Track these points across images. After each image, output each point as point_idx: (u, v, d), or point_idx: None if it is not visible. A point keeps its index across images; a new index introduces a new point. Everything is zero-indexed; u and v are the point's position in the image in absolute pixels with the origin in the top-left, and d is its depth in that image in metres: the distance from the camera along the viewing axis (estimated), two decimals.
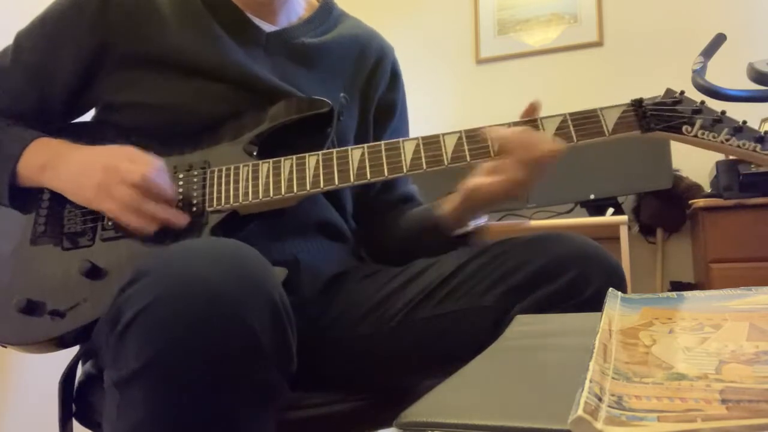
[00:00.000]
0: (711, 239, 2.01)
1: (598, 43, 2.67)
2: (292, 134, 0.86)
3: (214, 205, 0.81)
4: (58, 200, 0.85)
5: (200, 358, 0.52)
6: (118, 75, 0.87)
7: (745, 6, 2.47)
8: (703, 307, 0.48)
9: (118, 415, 0.56)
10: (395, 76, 1.05)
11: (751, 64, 0.84)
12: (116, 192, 0.77)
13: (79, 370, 0.83)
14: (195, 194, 0.82)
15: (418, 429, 0.32)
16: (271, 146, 0.85)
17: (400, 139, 0.81)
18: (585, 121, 0.78)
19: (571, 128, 0.78)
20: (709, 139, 0.74)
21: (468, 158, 0.79)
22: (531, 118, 0.79)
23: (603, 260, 0.78)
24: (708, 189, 2.24)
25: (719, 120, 0.75)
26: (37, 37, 0.89)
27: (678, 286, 2.36)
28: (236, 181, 0.82)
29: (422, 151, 0.80)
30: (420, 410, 0.34)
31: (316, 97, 0.87)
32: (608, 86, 2.59)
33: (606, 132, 0.78)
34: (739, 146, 0.72)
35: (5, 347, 0.80)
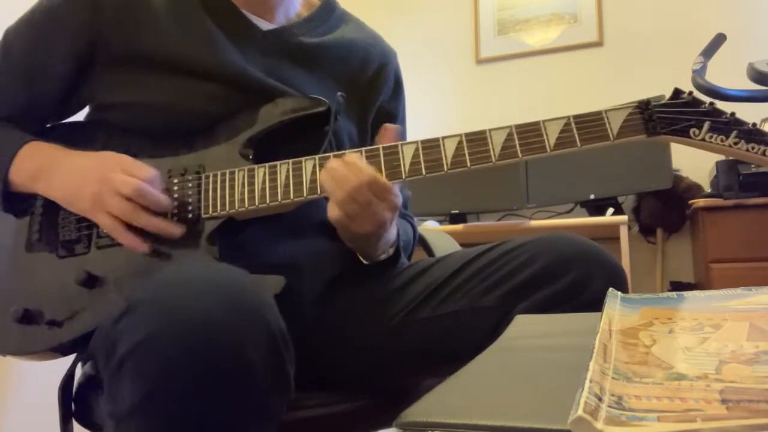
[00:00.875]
0: (711, 239, 2.01)
1: (598, 43, 2.67)
2: (289, 134, 0.85)
3: (210, 212, 0.80)
4: (52, 206, 0.83)
5: (196, 395, 0.51)
6: (111, 74, 0.85)
7: (745, 6, 2.47)
8: (703, 307, 0.48)
9: None
10: (398, 84, 1.04)
11: (751, 64, 0.84)
12: (110, 204, 0.76)
13: (79, 370, 0.83)
14: (190, 200, 0.81)
15: (418, 429, 0.32)
16: (267, 147, 0.84)
17: (399, 143, 0.79)
18: (589, 125, 0.75)
19: (575, 132, 0.75)
20: (717, 143, 0.71)
21: (468, 164, 0.77)
22: (533, 122, 0.76)
23: (604, 261, 0.78)
24: (708, 189, 2.24)
25: (728, 122, 0.71)
26: (26, 35, 0.86)
27: (678, 286, 2.36)
28: (232, 187, 0.80)
29: (421, 155, 0.78)
30: (420, 410, 0.34)
31: (314, 96, 0.86)
32: (608, 86, 2.59)
33: (611, 136, 0.74)
34: (747, 150, 0.70)
35: (4, 356, 0.80)
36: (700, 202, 2.05)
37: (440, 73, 2.90)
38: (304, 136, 0.85)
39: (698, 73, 0.85)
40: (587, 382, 0.30)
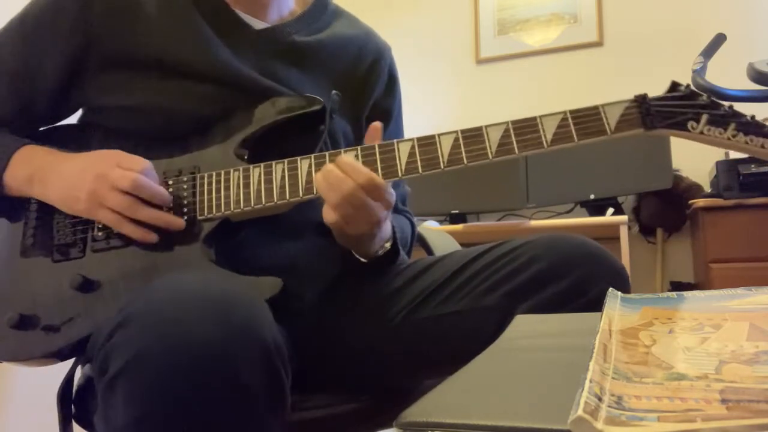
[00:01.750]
0: (711, 239, 2.01)
1: (598, 43, 2.67)
2: (284, 134, 0.84)
3: (206, 214, 0.79)
4: (47, 210, 0.83)
5: (189, 415, 0.50)
6: (103, 76, 0.84)
7: (745, 6, 2.47)
8: (703, 307, 0.48)
9: None
10: (392, 80, 1.03)
11: (751, 64, 0.84)
12: (109, 200, 0.76)
13: (79, 372, 0.83)
14: (185, 202, 0.80)
15: (418, 429, 0.32)
16: (262, 146, 0.83)
17: (395, 141, 0.79)
18: (586, 119, 0.75)
19: (572, 127, 0.75)
20: (716, 136, 0.70)
21: (465, 161, 0.76)
22: (529, 118, 0.76)
23: (606, 261, 0.77)
24: (708, 189, 2.24)
25: (726, 115, 0.71)
26: (17, 38, 0.85)
27: (678, 286, 2.36)
28: (227, 188, 0.80)
29: (418, 153, 0.77)
30: (420, 410, 0.34)
31: (309, 95, 0.85)
32: (608, 86, 2.59)
33: (608, 130, 0.74)
34: (746, 143, 0.69)
35: (0, 362, 0.80)
36: (700, 202, 2.05)
37: (440, 73, 2.90)
38: (299, 136, 0.85)
39: (698, 73, 0.85)
40: (587, 382, 0.30)
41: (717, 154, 2.25)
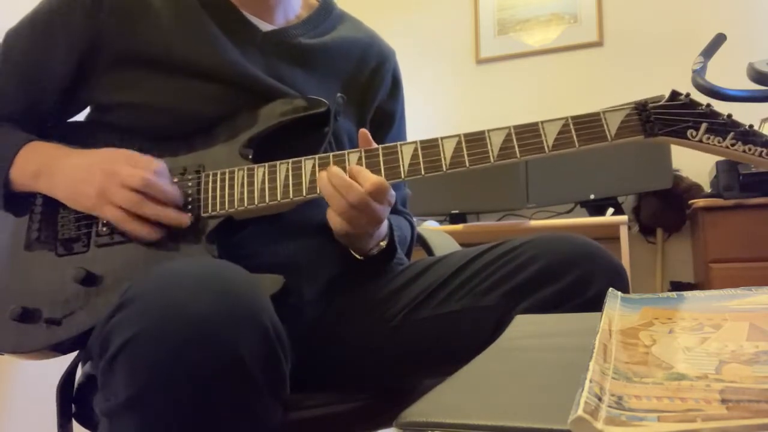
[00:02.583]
0: (711, 239, 2.01)
1: (598, 43, 2.67)
2: (288, 135, 0.85)
3: (209, 211, 0.80)
4: (52, 205, 0.83)
5: (188, 390, 0.51)
6: (111, 75, 0.85)
7: (745, 6, 2.47)
8: (703, 307, 0.48)
9: None
10: (396, 83, 1.03)
11: (751, 64, 0.84)
12: (116, 196, 0.76)
13: (79, 371, 0.83)
14: (189, 199, 0.81)
15: (418, 429, 0.32)
16: (266, 147, 0.84)
17: (398, 143, 0.80)
18: (587, 125, 0.76)
19: (573, 133, 0.76)
20: (714, 144, 0.72)
21: (467, 164, 0.77)
22: (531, 123, 0.77)
23: (606, 261, 0.77)
24: (708, 189, 2.24)
25: (725, 123, 0.72)
26: (27, 36, 0.86)
27: (678, 286, 2.36)
28: (231, 186, 0.80)
29: (420, 155, 0.78)
30: (420, 410, 0.34)
31: (314, 97, 0.86)
32: (608, 86, 2.59)
33: (609, 137, 0.75)
34: (745, 151, 0.70)
35: (2, 354, 0.80)
36: (700, 202, 2.05)
37: (440, 73, 2.90)
38: (303, 137, 0.85)
39: (698, 73, 0.85)
40: (587, 382, 0.30)
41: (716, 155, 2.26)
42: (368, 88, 0.98)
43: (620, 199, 2.38)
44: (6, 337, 0.77)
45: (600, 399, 0.29)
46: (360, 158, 0.79)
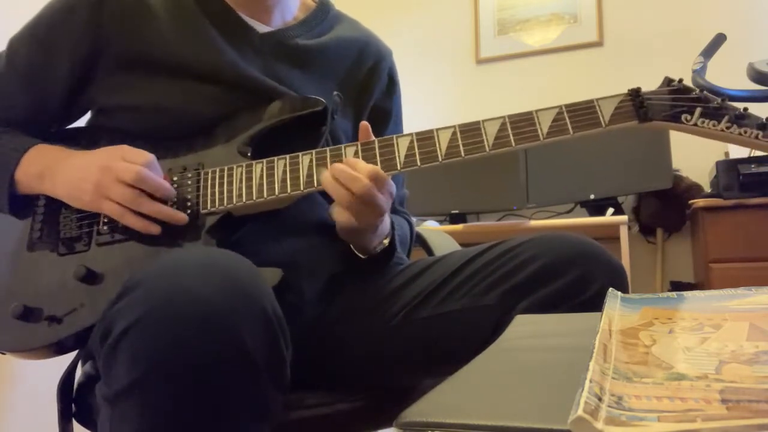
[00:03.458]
0: (711, 239, 2.01)
1: (598, 43, 2.67)
2: (286, 134, 0.85)
3: (208, 207, 0.81)
4: (54, 205, 0.84)
5: (190, 373, 0.51)
6: (112, 78, 0.86)
7: (745, 6, 2.47)
8: (703, 307, 0.48)
9: (110, 428, 0.55)
10: (392, 82, 1.04)
11: (751, 64, 0.84)
12: (113, 192, 0.77)
13: (79, 371, 0.83)
14: (189, 196, 0.81)
15: (418, 429, 0.32)
16: (265, 147, 0.84)
17: (394, 136, 0.80)
18: (581, 113, 0.77)
19: (567, 120, 0.76)
20: (709, 128, 0.71)
21: (462, 154, 0.78)
22: (526, 112, 0.78)
23: (605, 260, 0.78)
24: (708, 189, 2.24)
25: (719, 107, 0.72)
26: (31, 42, 0.88)
27: (678, 286, 2.36)
28: (230, 183, 0.81)
29: (416, 147, 0.79)
30: (420, 410, 0.34)
31: (310, 96, 0.86)
32: (608, 86, 2.56)
33: (603, 123, 0.76)
34: (740, 134, 0.70)
35: (4, 354, 0.80)
36: (700, 202, 2.05)
37: (440, 73, 2.90)
38: (301, 136, 0.86)
39: (698, 73, 0.85)
40: (587, 382, 0.30)
41: (717, 154, 2.25)
42: (365, 87, 0.99)
43: (620, 199, 2.38)
44: (8, 335, 0.78)
45: (600, 399, 0.29)
46: (356, 152, 0.80)
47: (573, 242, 0.79)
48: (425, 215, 2.42)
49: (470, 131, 0.78)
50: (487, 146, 0.77)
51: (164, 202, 0.80)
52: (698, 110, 0.73)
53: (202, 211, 0.81)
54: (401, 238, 0.95)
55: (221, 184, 0.81)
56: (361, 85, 0.99)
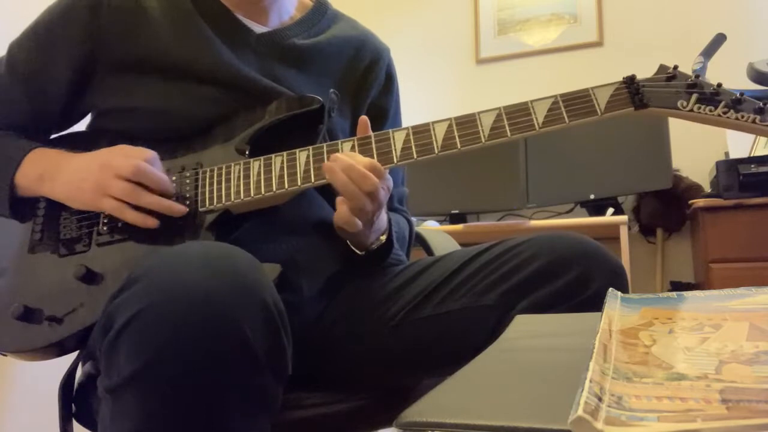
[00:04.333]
0: (711, 239, 2.01)
1: (598, 43, 2.67)
2: (284, 133, 0.86)
3: (207, 205, 0.81)
4: (54, 207, 0.85)
5: (192, 364, 0.51)
6: (111, 80, 0.86)
7: (745, 6, 2.47)
8: (703, 307, 0.48)
9: (112, 421, 0.55)
10: (390, 80, 1.04)
11: (751, 64, 0.84)
12: (112, 188, 0.78)
13: (79, 371, 0.83)
14: (187, 195, 0.82)
15: (418, 429, 0.32)
16: (263, 146, 0.84)
17: (390, 130, 0.81)
18: (576, 102, 0.77)
19: (563, 109, 0.76)
20: (706, 113, 0.71)
21: (459, 146, 0.78)
22: (521, 103, 0.78)
23: (605, 259, 0.78)
24: (708, 189, 2.24)
25: (716, 93, 0.72)
26: (30, 47, 0.88)
27: (678, 286, 2.36)
28: (228, 180, 0.81)
29: (412, 140, 0.79)
30: (420, 410, 0.33)
31: (307, 95, 0.87)
32: None
33: (598, 111, 0.75)
34: (737, 119, 0.69)
35: (5, 356, 0.80)
36: (700, 202, 2.05)
37: (440, 73, 2.90)
38: (299, 135, 0.86)
39: (698, 73, 0.85)
40: (587, 382, 0.30)
41: (717, 154, 2.25)
42: (362, 85, 0.99)
43: (620, 199, 2.38)
44: (9, 336, 0.78)
45: (600, 399, 0.29)
46: (353, 146, 0.80)
47: (573, 242, 0.79)
48: (425, 215, 2.42)
49: (466, 123, 0.78)
50: (483, 137, 0.77)
51: (165, 194, 0.80)
52: (694, 96, 0.72)
53: (201, 209, 0.81)
54: (399, 236, 0.95)
55: (219, 182, 0.82)
56: (358, 83, 0.99)
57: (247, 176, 0.81)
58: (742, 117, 0.70)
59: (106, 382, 0.56)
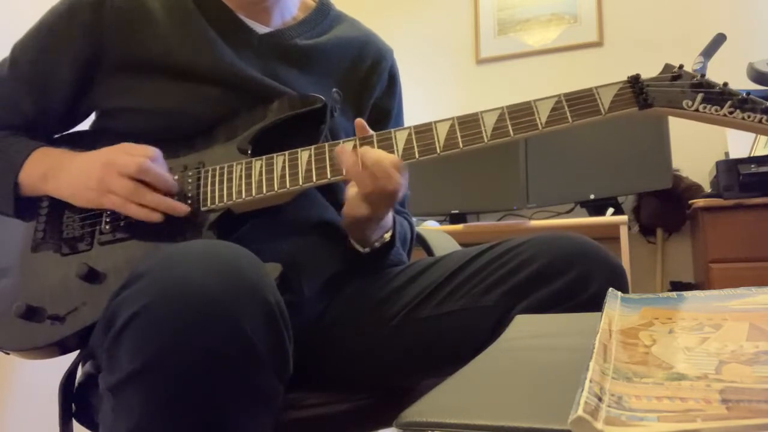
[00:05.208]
0: (711, 239, 2.01)
1: (598, 43, 2.67)
2: (286, 132, 0.86)
3: (209, 205, 0.81)
4: (57, 206, 0.85)
5: (193, 362, 0.52)
6: (113, 81, 0.87)
7: (745, 6, 2.47)
8: (703, 307, 0.48)
9: (113, 418, 0.56)
10: (393, 80, 1.04)
11: (751, 64, 0.84)
12: (115, 185, 0.78)
13: (80, 371, 0.83)
14: (190, 194, 0.82)
15: (418, 429, 0.32)
16: (265, 145, 0.84)
17: (392, 130, 0.80)
18: (580, 101, 0.76)
19: (566, 109, 0.76)
20: (712, 113, 0.70)
21: (461, 145, 0.77)
22: (524, 102, 0.77)
23: (605, 260, 0.78)
24: (708, 189, 2.23)
25: (722, 93, 0.71)
26: (33, 48, 0.89)
27: (678, 286, 2.36)
28: (230, 180, 0.82)
29: (414, 140, 0.79)
30: (420, 410, 0.34)
31: (309, 94, 0.87)
32: None
33: (602, 111, 0.74)
34: (743, 119, 0.69)
35: (7, 354, 0.80)
36: (700, 202, 2.05)
37: (440, 73, 2.90)
38: (301, 134, 0.86)
39: (698, 73, 0.85)
40: (587, 382, 0.30)
41: (717, 154, 2.25)
42: (364, 86, 0.99)
43: (620, 199, 2.38)
44: (11, 334, 0.78)
45: (600, 399, 0.29)
46: (355, 146, 0.80)
47: (572, 242, 0.79)
48: (425, 215, 2.42)
49: (468, 123, 0.78)
50: (485, 137, 0.77)
51: (168, 193, 0.80)
52: (700, 96, 0.71)
53: (203, 209, 0.81)
54: (401, 235, 0.95)
55: (221, 182, 0.82)
56: (361, 83, 0.99)
57: (249, 176, 0.81)
58: (749, 117, 0.69)
59: (108, 379, 0.56)
